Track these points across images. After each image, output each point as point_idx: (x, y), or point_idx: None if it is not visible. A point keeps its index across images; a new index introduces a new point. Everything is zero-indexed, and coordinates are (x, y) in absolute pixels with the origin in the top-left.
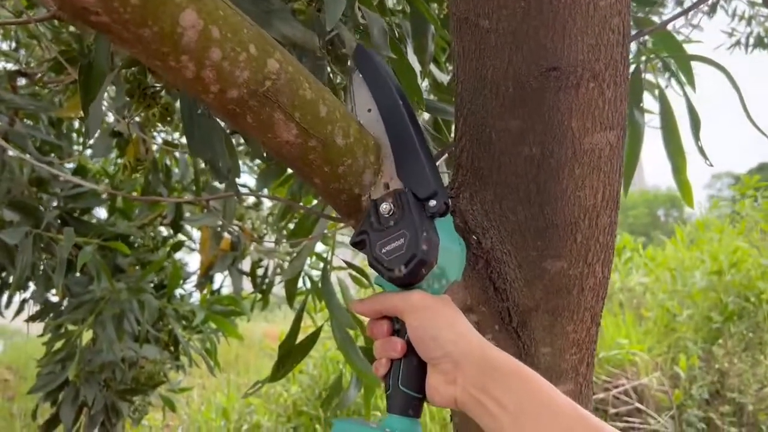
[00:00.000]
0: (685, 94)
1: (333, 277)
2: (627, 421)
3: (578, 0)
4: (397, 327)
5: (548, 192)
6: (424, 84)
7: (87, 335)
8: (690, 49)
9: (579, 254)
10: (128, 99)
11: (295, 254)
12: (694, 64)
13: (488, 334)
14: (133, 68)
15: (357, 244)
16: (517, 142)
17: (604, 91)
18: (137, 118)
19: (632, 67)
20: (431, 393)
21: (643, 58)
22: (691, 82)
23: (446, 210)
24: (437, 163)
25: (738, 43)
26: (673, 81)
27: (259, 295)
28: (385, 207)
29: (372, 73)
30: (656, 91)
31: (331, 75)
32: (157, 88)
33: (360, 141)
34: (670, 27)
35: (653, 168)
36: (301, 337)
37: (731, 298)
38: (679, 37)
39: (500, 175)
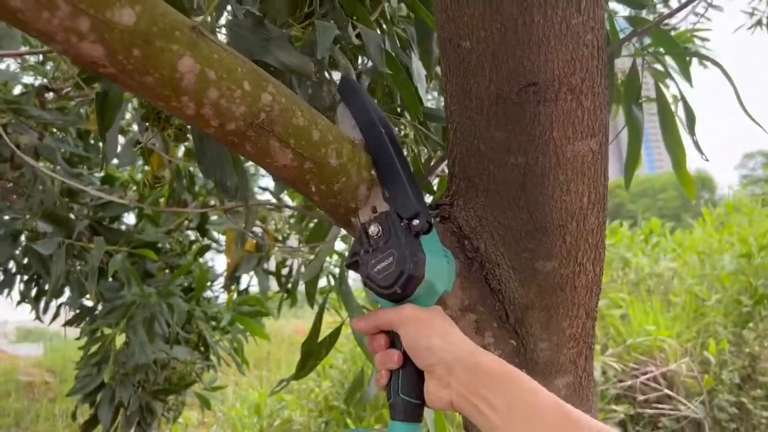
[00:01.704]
0: (679, 90)
1: (352, 274)
2: (657, 408)
3: (551, 20)
4: (394, 340)
5: (535, 197)
6: (432, 84)
7: (120, 339)
8: (701, 35)
9: (569, 254)
10: (144, 122)
11: (315, 254)
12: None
13: (488, 332)
14: None
15: (350, 266)
16: (503, 152)
17: (582, 102)
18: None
19: (629, 65)
20: (429, 398)
21: (639, 58)
22: (688, 78)
23: (429, 228)
24: (437, 171)
25: (759, 23)
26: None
27: (286, 294)
28: (373, 229)
29: (356, 104)
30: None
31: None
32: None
33: (353, 159)
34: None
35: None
36: (327, 331)
37: (761, 281)
38: (692, 22)
39: (490, 183)
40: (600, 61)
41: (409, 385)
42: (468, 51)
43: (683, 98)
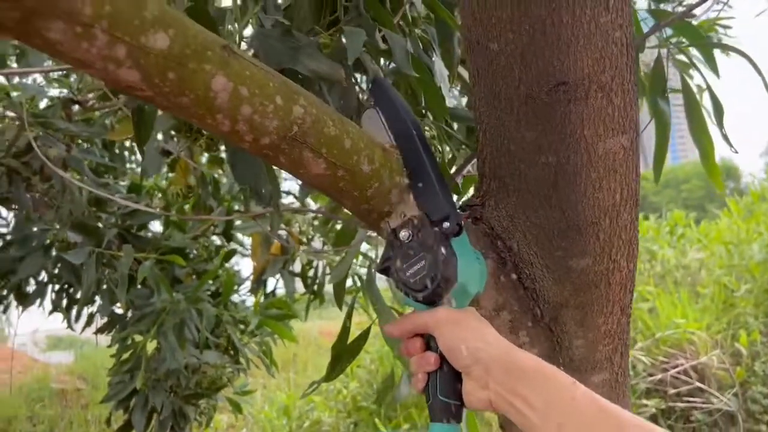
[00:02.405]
0: (705, 80)
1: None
2: (688, 401)
3: (579, 19)
4: (429, 342)
5: (567, 196)
6: (454, 83)
7: (151, 345)
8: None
9: (603, 251)
10: (177, 134)
11: (341, 256)
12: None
13: (522, 331)
14: None
15: (383, 271)
16: (534, 152)
17: (612, 100)
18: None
19: (654, 58)
20: (467, 398)
21: (664, 49)
22: (714, 69)
23: (459, 230)
24: (463, 172)
25: None
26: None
27: (312, 295)
28: (404, 234)
29: (388, 106)
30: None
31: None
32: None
33: (385, 165)
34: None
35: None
36: (357, 332)
37: None
38: (715, 9)
39: (521, 183)
40: (629, 59)
41: (447, 386)
42: (496, 53)
43: (710, 89)
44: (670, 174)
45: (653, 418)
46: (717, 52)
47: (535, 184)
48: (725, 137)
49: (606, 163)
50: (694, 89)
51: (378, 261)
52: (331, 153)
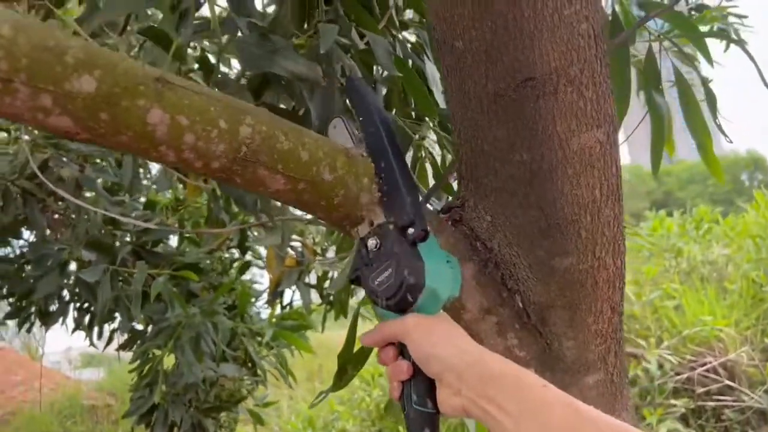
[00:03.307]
0: (697, 72)
1: None
2: (718, 400)
3: (542, 12)
4: (403, 351)
5: (545, 194)
6: None
7: (170, 360)
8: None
9: (586, 249)
10: None
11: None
12: None
13: (510, 333)
14: None
15: (354, 281)
16: (508, 150)
17: (583, 93)
18: None
19: (645, 51)
20: (441, 406)
21: (656, 43)
22: (708, 59)
23: (425, 236)
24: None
25: None
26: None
27: (329, 306)
28: (371, 242)
29: (361, 105)
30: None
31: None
32: None
33: (350, 171)
34: None
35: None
36: None
37: None
38: None
39: (498, 182)
40: (599, 50)
41: (422, 394)
42: (462, 51)
43: (702, 79)
44: (695, 169)
45: (683, 418)
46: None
47: (511, 183)
48: (719, 127)
49: (582, 159)
50: (697, 81)
51: (349, 271)
52: (288, 167)
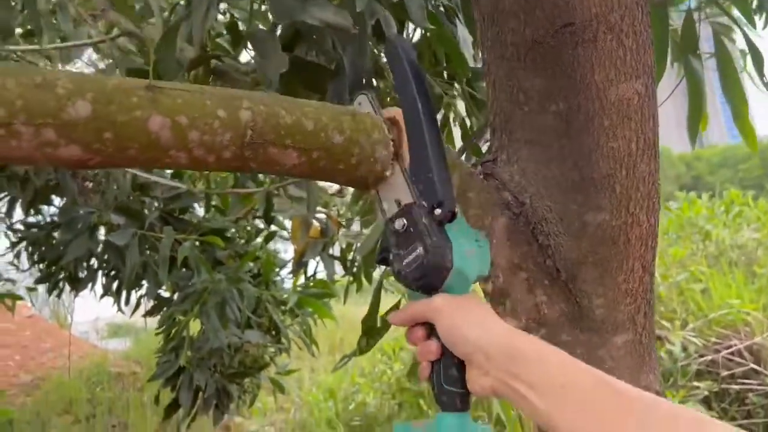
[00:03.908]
0: (743, 32)
1: None
2: (743, 383)
3: None
4: (432, 331)
5: (580, 146)
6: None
7: (196, 326)
8: None
9: (620, 205)
10: None
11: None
12: None
13: (539, 290)
14: (196, 70)
15: (381, 262)
16: (544, 100)
17: (623, 41)
18: None
19: (684, 14)
20: (471, 386)
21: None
22: (751, 22)
23: (453, 217)
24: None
25: None
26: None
27: (352, 278)
28: (399, 223)
29: (399, 70)
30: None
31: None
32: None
33: (359, 129)
34: None
35: (764, 118)
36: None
37: None
38: None
39: (532, 134)
40: None
41: (450, 374)
42: None
43: (746, 37)
44: (727, 152)
45: (706, 401)
46: None
47: (546, 134)
48: (766, 85)
49: (619, 110)
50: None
51: (377, 252)
52: (296, 140)
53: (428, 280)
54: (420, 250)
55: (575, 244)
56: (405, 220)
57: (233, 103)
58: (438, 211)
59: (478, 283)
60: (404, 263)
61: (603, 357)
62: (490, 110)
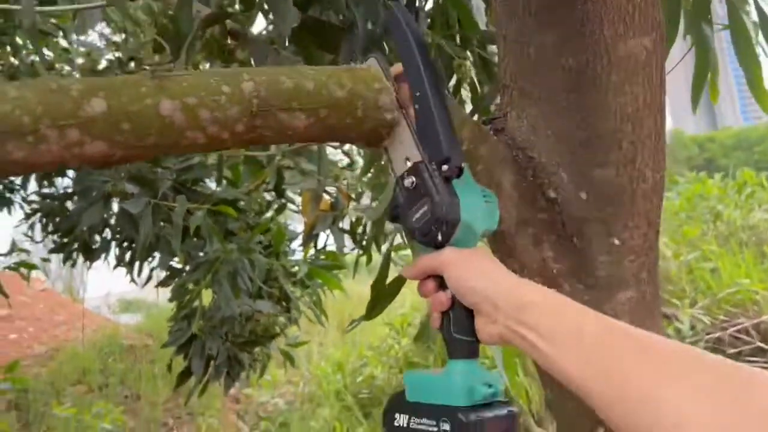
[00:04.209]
0: (756, 4)
1: None
2: (750, 361)
3: None
4: (442, 283)
5: (588, 102)
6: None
7: (208, 295)
8: None
9: (626, 160)
10: (209, 56)
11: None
12: None
13: (546, 244)
14: (211, 29)
15: (393, 219)
16: (554, 55)
17: None
18: None
19: None
20: (480, 334)
21: None
22: None
23: (460, 172)
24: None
25: None
26: None
27: (361, 252)
28: (408, 181)
29: (400, 34)
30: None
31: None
32: (232, 47)
33: (358, 81)
34: None
35: None
36: None
37: None
38: None
39: (542, 90)
40: None
41: (460, 324)
42: None
43: (761, 15)
44: (741, 135)
45: None
46: None
47: (555, 91)
48: None
49: (627, 66)
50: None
51: (388, 209)
52: (302, 102)
53: (436, 234)
54: (428, 206)
55: (581, 199)
56: (414, 178)
57: (235, 78)
58: (445, 167)
59: (486, 238)
60: (414, 219)
61: (606, 313)
62: (500, 67)
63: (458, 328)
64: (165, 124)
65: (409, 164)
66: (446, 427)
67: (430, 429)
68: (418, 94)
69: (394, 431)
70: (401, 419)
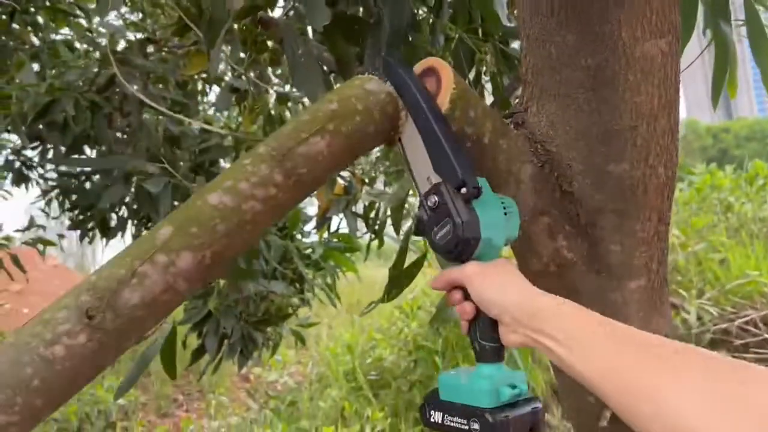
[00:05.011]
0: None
1: None
2: (757, 353)
3: None
4: (467, 293)
5: (606, 100)
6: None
7: None
8: None
9: (640, 157)
10: (243, 47)
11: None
12: None
13: (560, 234)
14: (245, 20)
15: (418, 233)
16: (574, 55)
17: (650, 1)
18: (251, 74)
19: None
20: (503, 340)
21: None
22: None
23: (478, 193)
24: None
25: None
26: None
27: (373, 236)
28: (431, 200)
29: (398, 81)
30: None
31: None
32: (265, 37)
33: (345, 87)
34: None
35: None
36: None
37: None
38: None
39: (561, 87)
40: None
41: (485, 331)
42: None
43: None
44: (756, 126)
45: None
46: None
47: (574, 88)
48: None
49: (644, 67)
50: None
51: (415, 225)
52: (331, 130)
53: (459, 251)
54: (450, 226)
55: (596, 192)
56: (436, 197)
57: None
58: (464, 191)
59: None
60: (438, 237)
61: (616, 300)
62: (522, 64)
63: (483, 335)
64: (235, 208)
65: (429, 185)
66: (476, 426)
67: (462, 427)
68: (425, 129)
69: (431, 425)
70: (436, 416)
